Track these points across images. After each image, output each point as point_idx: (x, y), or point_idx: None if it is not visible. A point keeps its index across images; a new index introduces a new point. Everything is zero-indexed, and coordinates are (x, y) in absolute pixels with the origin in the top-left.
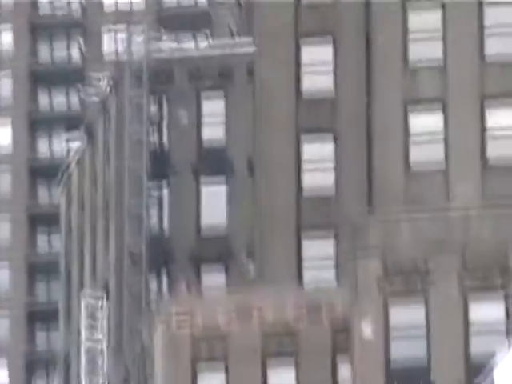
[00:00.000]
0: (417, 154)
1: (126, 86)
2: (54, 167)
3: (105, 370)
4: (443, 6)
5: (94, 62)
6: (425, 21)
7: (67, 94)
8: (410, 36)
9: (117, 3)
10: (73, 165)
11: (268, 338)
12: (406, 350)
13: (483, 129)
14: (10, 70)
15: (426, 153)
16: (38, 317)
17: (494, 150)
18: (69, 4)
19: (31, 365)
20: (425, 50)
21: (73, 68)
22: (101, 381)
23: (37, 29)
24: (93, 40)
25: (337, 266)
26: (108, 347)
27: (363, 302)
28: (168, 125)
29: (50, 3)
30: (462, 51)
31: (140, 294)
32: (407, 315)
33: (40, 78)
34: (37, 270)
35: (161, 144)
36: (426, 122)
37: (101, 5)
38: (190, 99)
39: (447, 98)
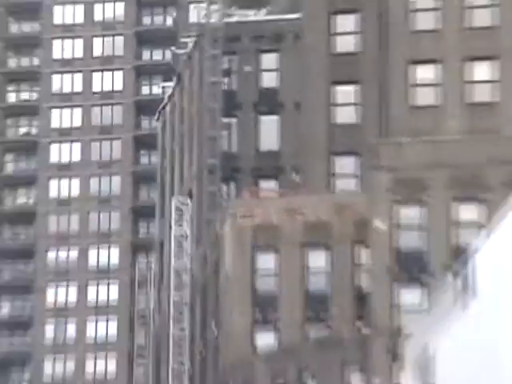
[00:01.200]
0: (418, 100)
1: (205, 45)
2: (153, 105)
3: (189, 253)
4: None
5: (183, 27)
6: None
7: (163, 51)
8: None
9: None
10: (167, 103)
11: (307, 230)
12: (409, 241)
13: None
14: (122, 35)
15: (424, 100)
16: (141, 213)
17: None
18: None
19: (135, 248)
20: None
21: (168, 32)
22: (186, 259)
23: (141, 3)
24: (183, 12)
25: (360, 179)
26: (191, 235)
27: (378, 206)
28: (236, 74)
29: None
30: None
31: (215, 197)
32: (410, 215)
33: (144, 39)
34: (140, 178)
35: (230, 88)
36: (425, 75)
37: None
38: (252, 55)
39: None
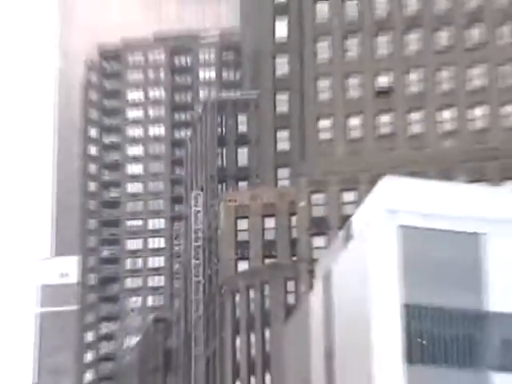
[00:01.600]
0: (321, 137)
1: (208, 111)
2: (182, 143)
3: (201, 221)
4: None
5: (196, 102)
6: None
7: (186, 115)
8: None
9: (204, 71)
10: (189, 142)
11: (264, 207)
12: (318, 213)
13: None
14: (163, 108)
15: (325, 137)
16: (176, 200)
17: (350, 135)
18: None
19: (173, 219)
20: None
21: (188, 105)
22: (200, 224)
23: (175, 90)
24: (195, 93)
25: (291, 180)
26: (202, 211)
27: (300, 194)
28: (224, 125)
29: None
30: None
31: (214, 191)
32: (318, 199)
33: (175, 110)
34: (175, 183)
35: (222, 133)
36: (324, 124)
37: (197, 75)
38: (233, 115)
39: None
